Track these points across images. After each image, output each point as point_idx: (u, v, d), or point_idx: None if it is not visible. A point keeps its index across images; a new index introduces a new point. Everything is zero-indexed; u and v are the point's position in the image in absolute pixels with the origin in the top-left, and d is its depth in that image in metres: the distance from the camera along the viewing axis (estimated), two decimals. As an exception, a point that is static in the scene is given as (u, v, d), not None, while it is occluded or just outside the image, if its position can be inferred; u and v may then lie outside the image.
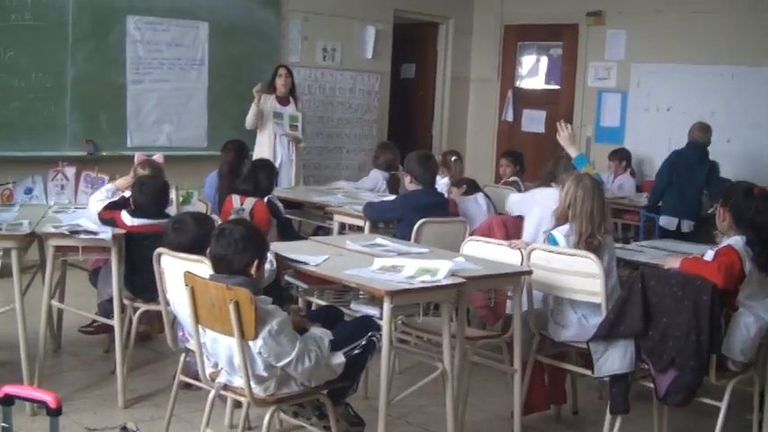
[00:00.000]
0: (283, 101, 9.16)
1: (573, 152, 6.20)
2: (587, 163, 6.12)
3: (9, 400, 2.94)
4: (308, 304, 5.17)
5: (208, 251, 4.16)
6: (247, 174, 6.99)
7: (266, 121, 9.09)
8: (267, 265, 4.50)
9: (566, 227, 5.14)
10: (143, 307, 5.51)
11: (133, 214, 5.57)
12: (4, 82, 8.56)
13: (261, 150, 9.00)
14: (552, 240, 5.17)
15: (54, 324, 6.31)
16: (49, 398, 2.84)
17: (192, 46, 9.66)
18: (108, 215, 5.61)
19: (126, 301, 5.56)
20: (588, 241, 5.04)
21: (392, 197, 7.27)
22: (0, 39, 8.49)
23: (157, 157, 7.03)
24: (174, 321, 4.74)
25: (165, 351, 6.18)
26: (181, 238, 4.62)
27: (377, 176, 8.42)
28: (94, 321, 6.27)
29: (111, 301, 5.66)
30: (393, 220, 6.60)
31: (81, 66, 8.96)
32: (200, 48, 9.73)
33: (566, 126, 6.24)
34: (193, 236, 4.52)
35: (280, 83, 9.15)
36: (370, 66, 11.50)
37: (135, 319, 5.59)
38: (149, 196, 5.63)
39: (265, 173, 6.96)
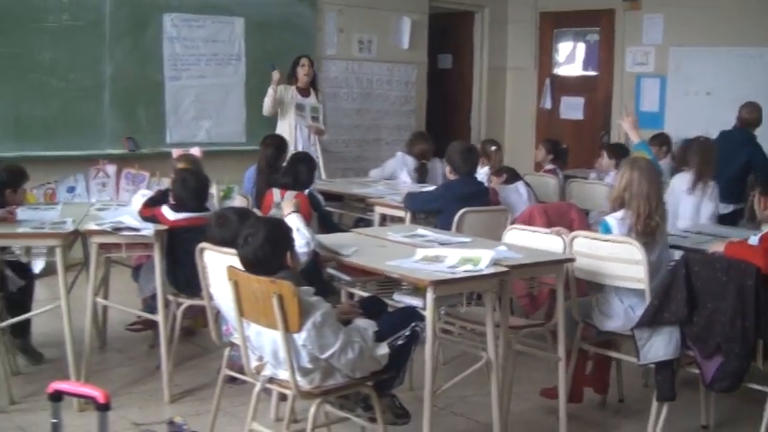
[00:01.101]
0: (304, 92, 9.11)
1: (635, 137, 6.19)
2: (645, 149, 6.10)
3: (58, 396, 2.97)
4: (350, 296, 5.17)
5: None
6: (287, 167, 7.02)
7: (286, 111, 9.03)
8: (303, 248, 4.53)
9: (620, 212, 5.08)
10: (187, 302, 5.55)
11: (174, 209, 5.60)
12: (43, 82, 8.65)
13: None
14: (605, 226, 5.11)
15: (99, 321, 6.37)
16: (97, 393, 2.86)
17: (229, 41, 9.70)
18: (148, 212, 5.63)
19: (170, 297, 5.60)
20: (646, 222, 4.98)
21: (429, 187, 7.27)
22: (38, 40, 8.57)
23: (195, 150, 7.08)
24: (218, 316, 4.76)
25: (209, 346, 6.22)
26: (223, 233, 4.61)
27: (403, 160, 8.33)
28: (139, 318, 6.34)
29: (154, 297, 5.70)
30: (434, 211, 6.59)
31: (119, 64, 9.02)
32: (236, 43, 9.77)
33: (629, 112, 6.23)
34: (236, 231, 4.49)
35: (302, 73, 9.08)
36: (407, 57, 11.49)
37: (179, 314, 5.62)
38: (191, 190, 5.66)
39: (305, 166, 6.97)
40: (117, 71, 9.01)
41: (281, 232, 4.16)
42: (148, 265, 5.98)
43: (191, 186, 5.67)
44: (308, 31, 10.40)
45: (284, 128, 9.04)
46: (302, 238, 4.60)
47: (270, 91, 8.89)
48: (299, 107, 8.99)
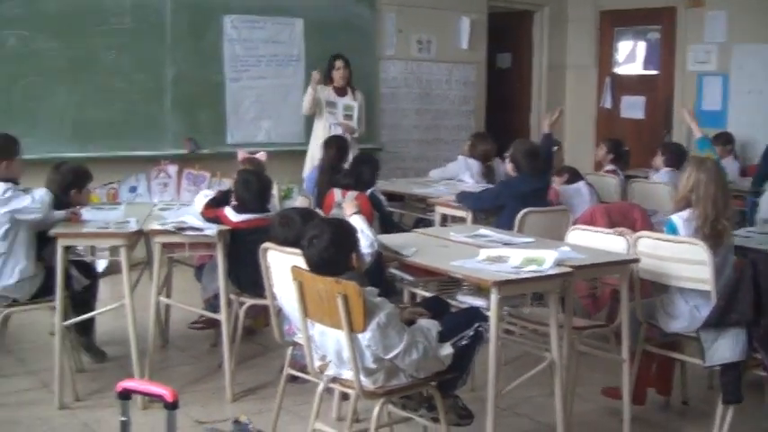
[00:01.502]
0: (341, 91, 9.05)
1: (697, 130, 6.14)
2: (709, 148, 6.04)
3: (126, 395, 3.00)
4: (413, 296, 5.17)
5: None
6: (350, 168, 7.06)
7: (322, 110, 8.99)
8: (367, 249, 4.53)
9: (686, 212, 5.01)
10: (249, 301, 5.59)
11: (237, 210, 5.64)
12: (106, 84, 8.78)
13: (315, 140, 8.87)
14: (670, 226, 5.04)
15: (161, 319, 6.41)
16: (166, 392, 2.88)
17: (288, 42, 9.74)
18: (211, 213, 5.66)
19: (232, 296, 5.64)
20: (713, 225, 4.90)
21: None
22: (101, 42, 8.71)
23: (260, 155, 7.10)
24: (281, 315, 4.77)
25: (270, 345, 6.27)
26: (287, 233, 4.64)
27: (467, 164, 8.26)
28: (202, 317, 6.38)
29: (216, 296, 5.73)
30: (491, 209, 6.57)
31: (180, 66, 9.13)
32: (295, 44, 9.80)
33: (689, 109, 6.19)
34: (299, 231, 4.51)
35: (337, 75, 9.03)
36: (466, 56, 11.45)
37: (241, 313, 5.66)
38: (253, 192, 5.70)
39: (368, 167, 7.01)
40: (178, 73, 9.12)
41: (345, 233, 4.17)
42: (211, 264, 6.02)
43: (253, 188, 5.71)
44: (366, 31, 10.42)
45: (319, 127, 9.01)
46: (366, 239, 4.61)
47: (309, 90, 8.86)
48: (330, 104, 8.94)
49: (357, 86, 9.16)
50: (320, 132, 8.85)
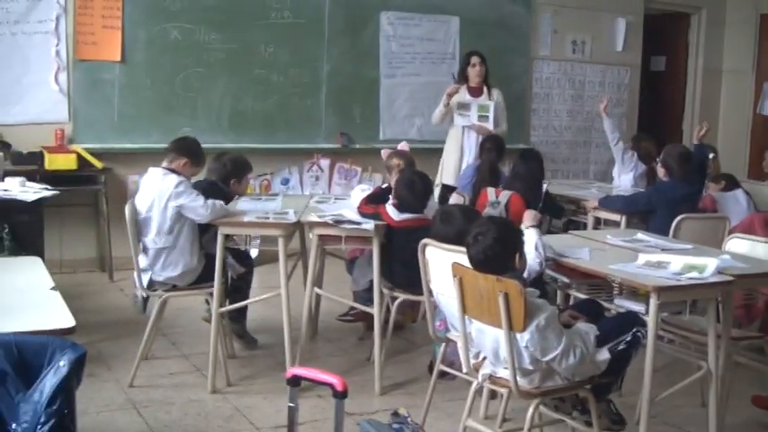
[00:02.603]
0: (476, 91, 8.35)
1: None
2: None
3: (296, 381, 3.07)
4: (566, 297, 5.16)
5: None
6: (514, 168, 7.01)
7: (455, 117, 8.41)
8: (536, 266, 4.53)
9: None
10: (402, 296, 5.62)
11: (399, 208, 5.63)
12: (264, 77, 8.97)
13: (450, 145, 8.42)
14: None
15: (312, 310, 6.51)
16: (336, 381, 2.95)
17: (444, 40, 9.78)
18: (371, 209, 5.67)
19: (385, 290, 5.67)
20: None
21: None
22: (261, 36, 8.90)
23: (403, 145, 7.12)
24: (436, 312, 4.81)
25: (418, 341, 6.32)
26: (447, 230, 4.67)
27: (635, 163, 8.15)
28: (352, 309, 6.45)
29: (366, 290, 5.80)
30: (640, 212, 6.50)
31: (336, 61, 9.26)
32: (451, 42, 9.84)
33: None
34: (459, 229, 4.54)
35: (473, 73, 8.32)
36: (620, 59, 11.30)
37: (393, 308, 5.69)
38: (418, 194, 5.66)
39: (535, 163, 7.04)
40: (334, 68, 9.25)
41: (511, 232, 4.18)
42: (363, 258, 6.10)
43: (418, 189, 5.66)
44: (522, 31, 10.38)
45: (453, 135, 8.42)
46: (537, 257, 4.61)
47: (443, 101, 8.25)
48: (462, 106, 8.27)
49: (495, 84, 8.50)
50: (454, 137, 8.37)
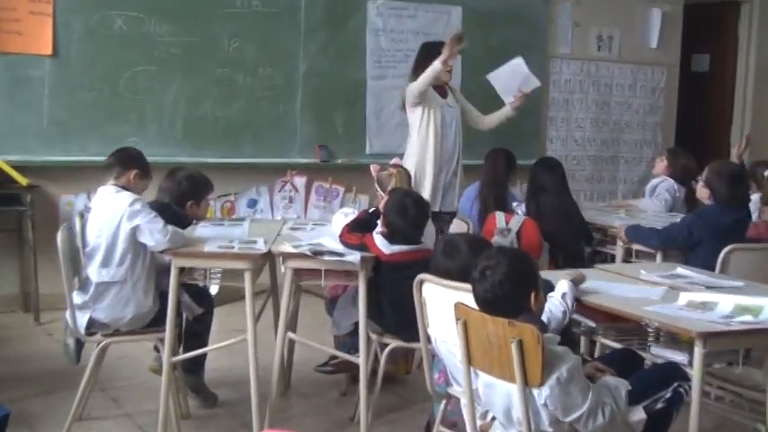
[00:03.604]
0: (440, 91, 8.02)
1: None
2: None
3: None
4: (592, 344, 5.13)
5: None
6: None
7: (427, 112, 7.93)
8: (559, 315, 4.49)
9: None
10: (393, 343, 5.58)
11: (389, 239, 5.57)
12: (227, 77, 8.97)
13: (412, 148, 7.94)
14: None
15: (284, 360, 6.47)
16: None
17: (443, 35, 9.67)
18: (355, 239, 5.60)
19: (372, 336, 5.63)
20: None
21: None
22: (224, 27, 8.90)
23: (396, 160, 7.09)
24: (434, 361, 4.79)
25: (412, 396, 6.30)
26: (449, 264, 4.60)
27: (673, 188, 8.17)
28: (332, 358, 6.40)
29: (350, 334, 5.77)
30: (681, 246, 6.48)
31: (314, 59, 9.27)
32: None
33: None
34: (464, 262, 4.49)
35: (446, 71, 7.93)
36: (655, 57, 11.37)
37: (383, 357, 5.65)
38: (410, 221, 5.58)
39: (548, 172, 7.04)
40: (311, 67, 9.26)
41: (525, 266, 4.14)
42: (346, 296, 6.06)
43: (411, 216, 5.57)
44: (537, 24, 10.45)
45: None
46: (562, 305, 4.57)
47: (445, 51, 7.76)
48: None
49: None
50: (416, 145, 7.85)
